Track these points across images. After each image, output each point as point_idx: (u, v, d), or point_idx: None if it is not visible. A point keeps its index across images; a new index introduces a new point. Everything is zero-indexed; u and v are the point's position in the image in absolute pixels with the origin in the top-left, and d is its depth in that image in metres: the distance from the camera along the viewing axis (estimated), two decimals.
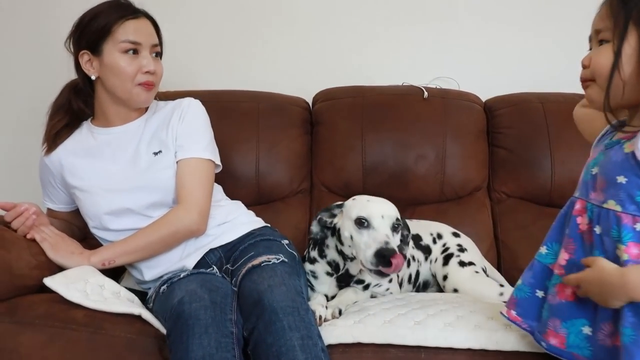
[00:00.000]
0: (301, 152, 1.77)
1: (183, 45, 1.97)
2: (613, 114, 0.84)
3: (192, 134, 1.35)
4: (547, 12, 1.92)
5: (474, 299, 1.24)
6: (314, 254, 1.33)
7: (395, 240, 1.13)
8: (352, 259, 1.23)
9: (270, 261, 1.18)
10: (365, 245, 1.12)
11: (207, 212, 1.33)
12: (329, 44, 2.01)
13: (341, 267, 1.28)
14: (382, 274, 1.09)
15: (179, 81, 1.81)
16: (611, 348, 0.82)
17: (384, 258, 1.06)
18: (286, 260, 1.21)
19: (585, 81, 0.88)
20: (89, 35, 1.31)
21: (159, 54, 1.39)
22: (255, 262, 1.19)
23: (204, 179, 1.33)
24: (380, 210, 1.16)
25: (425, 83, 1.88)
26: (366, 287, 1.30)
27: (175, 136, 1.34)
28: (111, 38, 1.30)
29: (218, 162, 1.39)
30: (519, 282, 0.98)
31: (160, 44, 1.39)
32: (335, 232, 1.25)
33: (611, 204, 0.82)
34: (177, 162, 1.33)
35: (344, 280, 1.29)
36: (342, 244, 1.23)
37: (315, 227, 1.28)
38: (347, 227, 1.19)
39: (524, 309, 0.95)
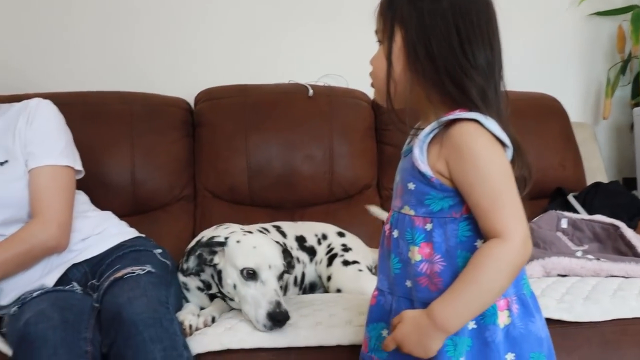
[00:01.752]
0: (182, 157, 1.80)
1: (39, 43, 1.93)
2: (397, 116, 0.90)
3: (44, 139, 1.32)
4: None
5: (353, 296, 1.33)
6: (185, 265, 1.31)
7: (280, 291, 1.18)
8: (232, 300, 1.23)
9: (134, 272, 1.19)
10: (253, 301, 1.14)
11: (67, 225, 1.31)
12: (212, 41, 2.06)
13: (214, 289, 1.29)
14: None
15: (38, 82, 1.78)
16: None
17: (278, 322, 1.11)
18: (153, 270, 1.23)
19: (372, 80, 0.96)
20: None
21: None
22: (119, 274, 1.20)
23: (61, 188, 1.31)
24: (268, 260, 1.18)
25: (313, 81, 1.98)
26: None
27: (24, 143, 1.31)
28: None
29: (78, 167, 1.38)
30: None
31: None
32: (216, 271, 1.24)
33: (406, 209, 0.89)
34: (28, 172, 1.30)
35: (214, 297, 1.31)
36: (222, 286, 1.22)
37: (192, 262, 1.24)
38: (230, 275, 1.19)
39: None
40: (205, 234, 1.38)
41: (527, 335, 0.86)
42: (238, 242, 1.22)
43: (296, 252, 1.51)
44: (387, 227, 0.94)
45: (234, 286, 1.18)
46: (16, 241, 1.25)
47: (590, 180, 1.85)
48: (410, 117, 0.89)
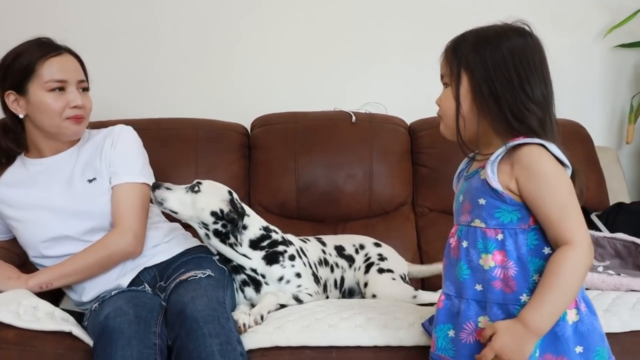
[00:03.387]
0: (239, 175, 1.86)
1: (122, 76, 2.06)
2: (467, 147, 0.98)
3: (125, 160, 1.40)
4: None
5: (389, 302, 1.33)
6: None
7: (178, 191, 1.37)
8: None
9: (197, 275, 1.24)
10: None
11: (142, 235, 1.38)
12: (266, 74, 2.13)
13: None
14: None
15: (118, 110, 1.88)
16: (472, 344, 0.94)
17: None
18: (213, 274, 1.28)
19: (440, 117, 1.02)
20: (13, 75, 1.33)
21: (86, 89, 1.42)
22: (183, 277, 1.25)
23: (138, 203, 1.39)
24: None
25: (356, 108, 2.01)
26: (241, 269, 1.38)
27: (108, 163, 1.39)
28: (36, 77, 1.31)
29: None
30: None
31: (87, 78, 1.43)
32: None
33: (477, 222, 0.94)
34: (112, 188, 1.38)
35: (228, 261, 1.39)
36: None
37: None
38: None
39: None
40: None
41: (593, 331, 0.90)
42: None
43: (335, 259, 1.54)
44: (453, 240, 1.00)
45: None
46: (99, 247, 1.33)
47: (613, 201, 1.79)
48: (471, 146, 0.97)
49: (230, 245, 1.36)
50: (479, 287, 0.94)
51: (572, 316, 0.91)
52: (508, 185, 0.91)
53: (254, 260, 1.37)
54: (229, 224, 1.35)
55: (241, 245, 1.36)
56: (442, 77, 1.00)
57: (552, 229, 0.89)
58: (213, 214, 1.35)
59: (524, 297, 0.91)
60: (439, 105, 1.00)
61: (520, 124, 0.91)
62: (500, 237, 0.92)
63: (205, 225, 1.36)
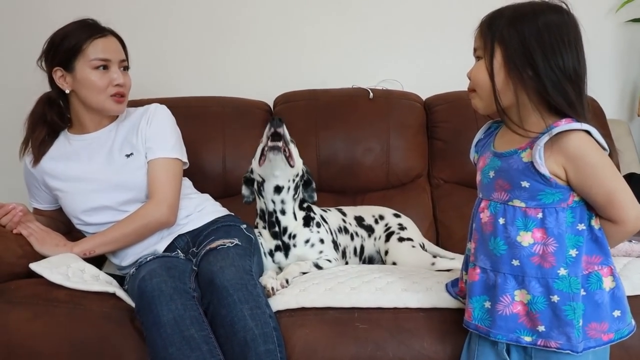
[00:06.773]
0: None
1: (155, 59, 2.07)
2: (507, 117, 0.94)
3: (159, 137, 1.41)
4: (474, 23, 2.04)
5: (407, 268, 1.34)
6: (257, 219, 1.46)
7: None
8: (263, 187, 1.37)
9: (225, 245, 1.26)
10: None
11: (176, 206, 1.40)
12: (288, 53, 2.11)
13: (265, 210, 1.41)
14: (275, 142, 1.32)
15: (152, 90, 1.89)
16: (508, 316, 0.93)
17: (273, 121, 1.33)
18: (240, 243, 1.29)
19: (470, 91, 0.97)
20: (61, 54, 1.35)
21: (126, 68, 1.44)
22: (213, 245, 1.27)
23: (171, 176, 1.40)
24: None
25: (373, 85, 1.99)
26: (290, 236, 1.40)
27: (144, 139, 1.41)
28: (82, 56, 1.35)
29: (185, 159, 1.46)
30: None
31: (127, 58, 1.44)
32: (257, 186, 1.41)
33: (516, 202, 0.92)
34: (147, 163, 1.40)
35: (272, 227, 1.40)
36: (261, 178, 1.38)
37: (245, 190, 1.47)
38: (256, 158, 1.40)
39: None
40: None
41: (624, 295, 0.93)
42: None
43: (354, 228, 1.55)
44: (484, 215, 0.96)
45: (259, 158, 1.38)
46: (137, 217, 1.36)
47: (625, 172, 1.75)
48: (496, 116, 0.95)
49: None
50: (515, 263, 0.92)
51: (608, 283, 0.91)
52: (554, 171, 0.89)
53: (298, 222, 1.41)
54: (302, 184, 1.44)
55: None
56: (475, 50, 0.96)
57: (600, 212, 0.91)
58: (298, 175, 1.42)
59: (561, 271, 0.90)
60: (470, 77, 0.95)
61: (555, 95, 0.88)
62: (540, 215, 0.91)
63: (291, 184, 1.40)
